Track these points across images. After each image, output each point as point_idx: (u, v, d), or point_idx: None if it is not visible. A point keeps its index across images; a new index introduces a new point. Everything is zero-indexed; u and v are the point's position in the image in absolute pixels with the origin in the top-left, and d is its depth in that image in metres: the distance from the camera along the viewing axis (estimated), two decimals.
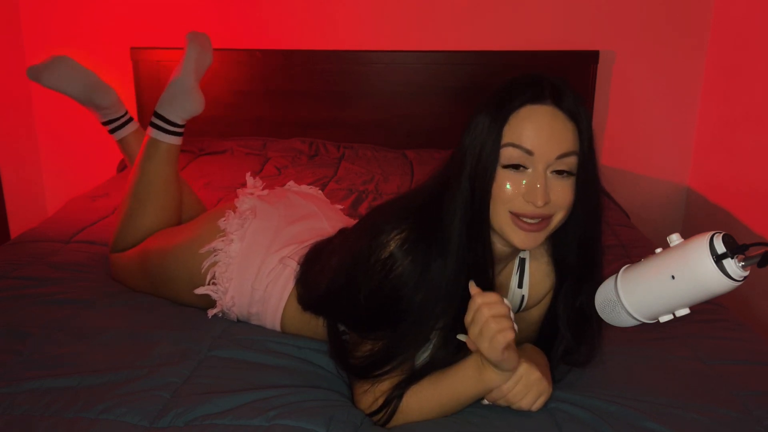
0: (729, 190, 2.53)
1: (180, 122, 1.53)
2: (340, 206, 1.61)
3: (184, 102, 1.52)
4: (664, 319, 0.87)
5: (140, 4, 2.76)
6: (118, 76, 2.80)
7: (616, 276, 0.91)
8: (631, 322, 0.90)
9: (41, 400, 1.03)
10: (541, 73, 1.00)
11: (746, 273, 0.78)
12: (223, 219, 1.36)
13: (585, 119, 0.97)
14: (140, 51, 2.73)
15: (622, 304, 0.88)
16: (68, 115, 2.91)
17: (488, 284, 0.99)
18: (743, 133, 2.43)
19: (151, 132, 1.52)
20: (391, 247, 1.00)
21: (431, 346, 1.04)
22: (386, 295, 1.00)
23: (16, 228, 2.79)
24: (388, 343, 1.01)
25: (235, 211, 1.38)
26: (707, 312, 1.40)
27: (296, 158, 2.57)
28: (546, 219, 0.97)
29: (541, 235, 0.98)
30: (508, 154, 0.95)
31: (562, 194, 0.96)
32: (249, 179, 1.51)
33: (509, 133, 0.95)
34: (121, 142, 1.76)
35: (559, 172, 0.96)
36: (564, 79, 0.99)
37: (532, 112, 0.95)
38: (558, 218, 0.98)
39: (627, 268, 0.90)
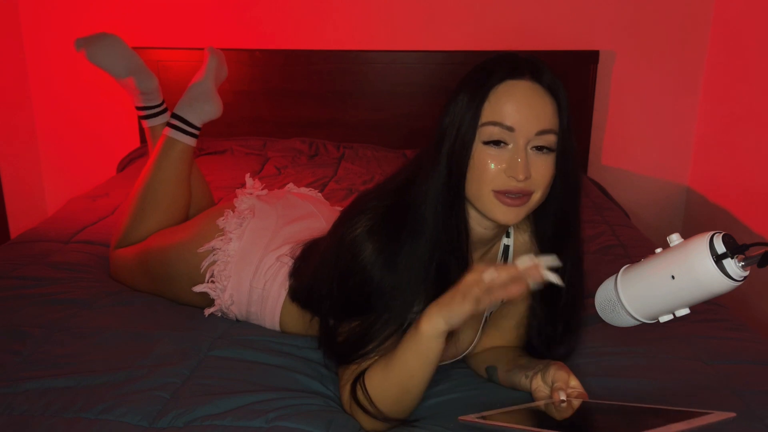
0: (729, 190, 2.53)
1: (198, 124, 1.59)
2: (339, 207, 1.61)
3: (204, 104, 1.59)
4: (664, 319, 0.87)
5: (140, 4, 2.76)
6: None
7: (616, 276, 0.90)
8: (631, 322, 0.90)
9: (41, 400, 1.03)
10: (516, 51, 1.00)
11: (746, 273, 0.78)
12: (222, 218, 1.37)
13: (563, 95, 0.97)
14: (140, 51, 2.72)
15: (622, 304, 0.88)
16: (68, 115, 2.91)
17: (464, 266, 0.98)
18: (743, 133, 2.43)
19: (169, 132, 1.57)
20: (357, 232, 0.99)
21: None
22: (355, 280, 0.99)
23: (16, 228, 2.79)
24: (364, 324, 0.99)
25: (233, 211, 1.39)
26: (707, 312, 1.40)
27: (296, 158, 2.57)
28: (527, 195, 0.96)
29: (522, 211, 0.97)
30: (488, 132, 0.94)
31: (542, 170, 0.96)
32: (248, 180, 1.53)
33: (489, 111, 0.95)
34: (152, 129, 1.78)
35: (539, 148, 0.95)
36: (540, 59, 0.99)
37: (512, 87, 0.95)
38: (537, 196, 0.97)
39: (627, 268, 0.90)
